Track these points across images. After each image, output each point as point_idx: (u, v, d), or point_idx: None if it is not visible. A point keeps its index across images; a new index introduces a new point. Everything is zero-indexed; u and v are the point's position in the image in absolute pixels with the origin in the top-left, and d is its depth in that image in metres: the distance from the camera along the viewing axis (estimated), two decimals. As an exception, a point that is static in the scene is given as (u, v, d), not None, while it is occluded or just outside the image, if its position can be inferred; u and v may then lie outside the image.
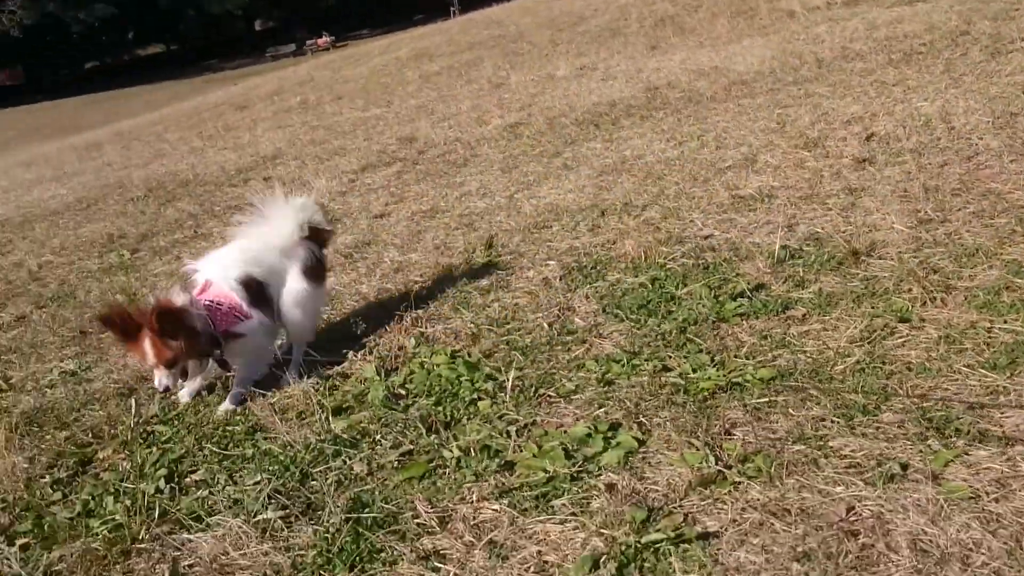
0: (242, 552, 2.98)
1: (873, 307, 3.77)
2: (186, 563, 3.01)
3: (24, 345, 5.58)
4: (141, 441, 3.91)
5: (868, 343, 3.50)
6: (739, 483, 2.83)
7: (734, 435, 3.09)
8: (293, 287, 4.26)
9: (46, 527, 3.36)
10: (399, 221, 6.63)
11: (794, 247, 4.52)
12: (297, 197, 4.49)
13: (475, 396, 3.70)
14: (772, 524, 2.63)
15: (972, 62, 7.69)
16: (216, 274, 4.12)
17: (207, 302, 4.00)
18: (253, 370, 4.20)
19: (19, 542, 3.30)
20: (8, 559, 3.21)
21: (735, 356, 3.60)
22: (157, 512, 3.30)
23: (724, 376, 3.42)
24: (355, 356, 4.29)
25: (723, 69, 9.75)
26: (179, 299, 3.89)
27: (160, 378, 3.92)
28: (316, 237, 4.39)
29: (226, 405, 4.10)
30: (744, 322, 3.88)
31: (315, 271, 4.34)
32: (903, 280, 3.94)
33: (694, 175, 6.07)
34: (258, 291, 4.15)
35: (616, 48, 13.58)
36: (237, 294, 4.06)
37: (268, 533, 3.05)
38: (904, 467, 2.75)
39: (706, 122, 7.55)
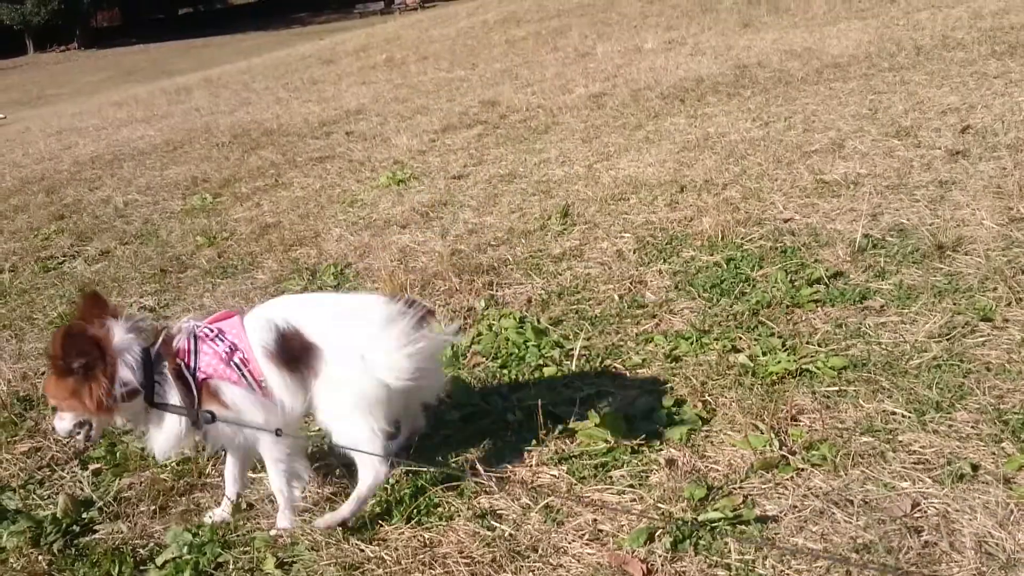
0: (303, 495, 3.05)
1: (955, 303, 3.66)
2: (248, 500, 3.09)
3: (107, 279, 5.75)
4: (213, 380, 4.01)
5: (947, 339, 3.41)
6: (802, 470, 2.80)
7: (800, 421, 3.05)
8: None
9: (118, 455, 3.49)
10: (476, 183, 6.64)
11: (877, 237, 4.41)
12: None
13: (541, 362, 3.71)
14: (833, 513, 2.59)
15: (1081, 58, 7.37)
16: None
17: None
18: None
19: (92, 467, 3.44)
20: (81, 482, 3.34)
21: (807, 342, 3.54)
22: (224, 449, 3.40)
23: (794, 361, 3.37)
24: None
25: (816, 51, 9.50)
26: None
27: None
28: None
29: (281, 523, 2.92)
30: (819, 309, 3.81)
31: None
32: (988, 278, 3.82)
33: (778, 157, 5.95)
34: None
35: (707, 24, 13.33)
36: None
37: (330, 478, 3.12)
38: (975, 468, 2.68)
39: (795, 104, 7.38)
